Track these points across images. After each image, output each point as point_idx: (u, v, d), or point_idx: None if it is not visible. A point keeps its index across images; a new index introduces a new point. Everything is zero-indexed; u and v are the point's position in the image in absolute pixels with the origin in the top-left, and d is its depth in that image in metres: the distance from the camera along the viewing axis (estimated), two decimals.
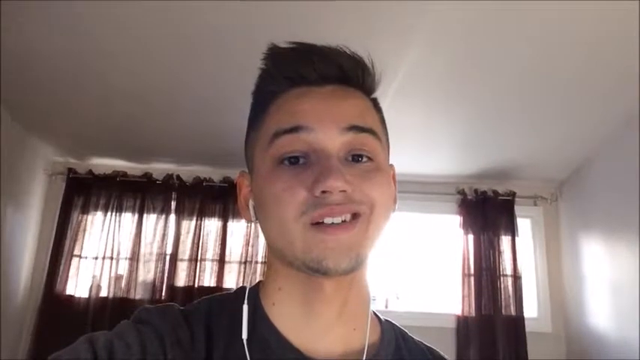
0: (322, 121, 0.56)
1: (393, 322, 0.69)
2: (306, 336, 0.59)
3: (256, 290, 0.64)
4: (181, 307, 0.62)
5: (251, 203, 0.63)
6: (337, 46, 0.60)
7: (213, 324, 0.60)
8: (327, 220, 0.53)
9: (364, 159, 0.57)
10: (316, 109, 0.57)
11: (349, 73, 0.60)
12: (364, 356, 0.60)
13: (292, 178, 0.54)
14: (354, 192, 0.54)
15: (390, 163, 0.65)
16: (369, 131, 0.58)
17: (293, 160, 0.56)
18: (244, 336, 0.57)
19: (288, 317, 0.60)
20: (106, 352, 0.52)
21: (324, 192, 0.52)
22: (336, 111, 0.57)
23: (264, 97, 0.61)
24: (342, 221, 0.53)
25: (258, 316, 0.61)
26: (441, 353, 0.68)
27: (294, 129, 0.56)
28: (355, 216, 0.54)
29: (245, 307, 0.59)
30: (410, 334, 0.69)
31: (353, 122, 0.56)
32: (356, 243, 0.54)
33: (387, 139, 0.64)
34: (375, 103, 0.65)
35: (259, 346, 0.58)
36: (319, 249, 0.52)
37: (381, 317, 0.68)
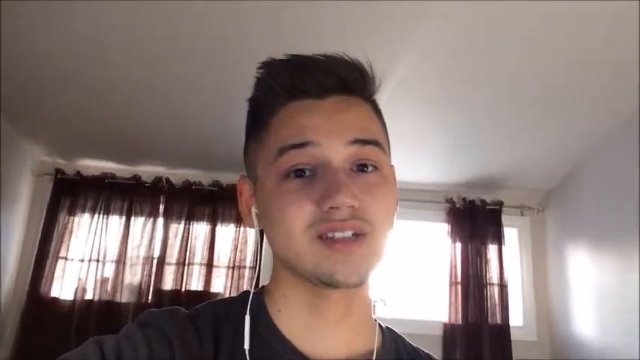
0: (328, 136, 0.56)
1: (393, 328, 0.70)
2: (311, 342, 0.60)
3: (261, 295, 0.64)
4: (187, 311, 0.63)
5: (254, 211, 0.63)
6: (335, 54, 0.60)
7: (219, 329, 0.60)
8: (338, 235, 0.53)
9: (369, 168, 0.58)
10: (321, 124, 0.57)
11: (349, 82, 0.60)
12: (374, 358, 0.61)
13: (299, 191, 0.55)
14: (360, 208, 0.54)
15: (391, 164, 0.65)
16: (373, 142, 0.58)
17: (299, 173, 0.56)
18: (246, 346, 0.58)
19: (294, 323, 0.60)
20: (114, 354, 0.53)
21: (331, 207, 0.53)
22: (340, 125, 0.57)
23: (264, 109, 0.61)
24: (354, 235, 0.54)
25: (264, 322, 0.61)
26: None
27: (301, 145, 0.56)
28: (362, 234, 0.55)
29: (247, 318, 0.59)
30: (409, 341, 0.70)
31: (357, 136, 0.57)
32: (364, 258, 0.54)
33: (388, 142, 0.65)
34: (376, 107, 0.65)
35: (265, 352, 0.58)
36: (329, 263, 0.53)
37: (382, 324, 0.68)
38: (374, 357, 0.61)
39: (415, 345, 0.70)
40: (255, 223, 0.62)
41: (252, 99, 0.64)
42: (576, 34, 2.25)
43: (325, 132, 0.56)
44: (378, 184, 0.57)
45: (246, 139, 0.66)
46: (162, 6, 2.09)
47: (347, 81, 0.60)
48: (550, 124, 2.96)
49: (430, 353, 0.69)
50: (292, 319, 0.61)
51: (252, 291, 0.63)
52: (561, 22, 2.18)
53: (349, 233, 0.54)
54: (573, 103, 2.75)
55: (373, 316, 0.66)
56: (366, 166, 0.57)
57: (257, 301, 0.63)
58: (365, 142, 0.57)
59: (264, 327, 0.60)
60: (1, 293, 3.33)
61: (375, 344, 0.63)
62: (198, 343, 0.57)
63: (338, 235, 0.53)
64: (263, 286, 0.67)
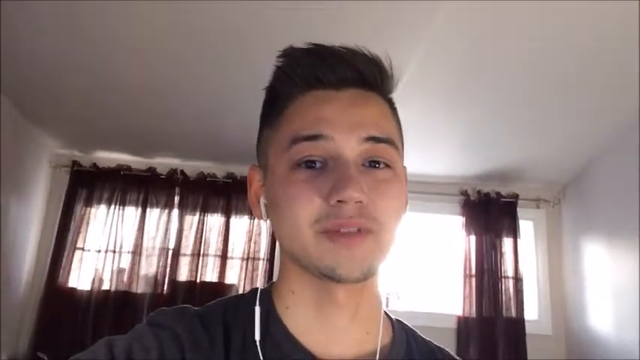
0: (341, 131, 0.56)
1: (404, 321, 0.69)
2: (319, 339, 0.59)
3: (269, 292, 0.64)
4: (196, 309, 0.62)
5: (262, 200, 0.62)
6: (355, 47, 0.60)
7: (230, 326, 0.60)
8: (343, 229, 0.53)
9: (381, 165, 0.57)
10: (335, 118, 0.56)
11: (368, 77, 0.60)
12: (377, 358, 0.60)
13: (308, 182, 0.54)
14: (368, 204, 0.54)
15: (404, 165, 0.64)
16: (387, 141, 0.58)
17: (310, 164, 0.56)
18: (257, 337, 0.58)
19: (302, 321, 0.60)
20: (124, 356, 0.53)
21: (339, 201, 0.52)
22: (355, 120, 0.57)
23: (281, 97, 0.61)
24: (358, 230, 0.53)
25: (272, 318, 0.61)
26: (451, 353, 0.69)
27: (314, 137, 0.56)
28: (367, 230, 0.54)
29: (257, 309, 0.59)
30: (420, 334, 0.69)
31: (371, 133, 0.56)
32: (368, 254, 0.54)
33: (402, 142, 0.64)
34: (392, 105, 0.64)
35: (273, 349, 0.58)
36: (332, 256, 0.53)
37: (393, 318, 0.68)
38: (377, 356, 0.60)
39: (427, 338, 0.69)
40: (264, 213, 0.62)
41: (270, 87, 0.63)
42: (590, 25, 2.22)
43: (339, 126, 0.56)
44: (389, 181, 0.57)
45: (260, 127, 0.66)
46: (180, 2, 2.09)
47: (365, 75, 0.60)
48: (567, 117, 2.92)
49: (441, 346, 0.69)
50: (300, 316, 0.60)
51: (259, 287, 0.63)
52: (575, 13, 2.14)
53: (354, 228, 0.53)
54: (590, 95, 2.71)
55: (384, 310, 0.65)
56: (377, 162, 0.57)
57: (266, 297, 0.62)
58: (379, 139, 0.57)
59: (272, 324, 0.60)
60: (21, 284, 3.39)
61: (385, 340, 0.63)
62: (208, 342, 0.58)
63: (343, 229, 0.53)
64: (272, 282, 0.66)
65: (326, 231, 0.53)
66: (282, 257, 0.63)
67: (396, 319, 0.68)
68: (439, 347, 0.69)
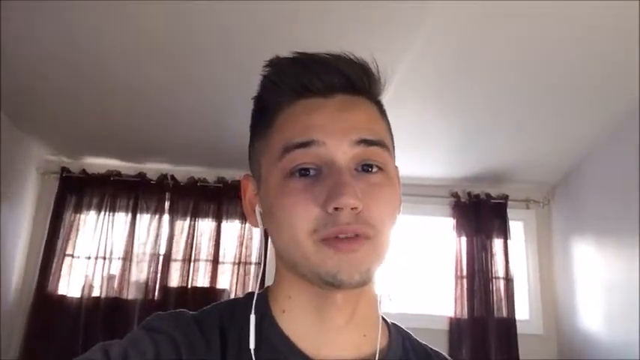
0: (333, 136, 0.56)
1: (399, 325, 0.69)
2: (316, 343, 0.59)
3: (265, 296, 0.64)
4: (192, 313, 0.62)
5: (257, 210, 0.62)
6: (341, 52, 0.60)
7: (226, 331, 0.60)
8: (341, 236, 0.53)
9: (374, 168, 0.57)
10: (326, 124, 0.57)
11: (355, 82, 0.60)
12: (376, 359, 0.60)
13: (303, 191, 0.55)
14: (363, 211, 0.54)
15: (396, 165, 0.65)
16: (378, 143, 0.58)
17: (303, 172, 0.56)
18: (252, 346, 0.58)
19: (299, 325, 0.60)
20: None
21: (336, 208, 0.53)
22: (346, 124, 0.57)
23: (270, 107, 0.61)
24: (355, 235, 0.54)
25: (268, 323, 0.61)
26: (447, 356, 0.69)
27: (306, 144, 0.56)
28: (365, 236, 0.54)
29: (252, 317, 0.59)
30: (415, 337, 0.69)
31: (362, 136, 0.57)
32: (366, 258, 0.54)
33: (393, 143, 0.64)
34: (381, 107, 0.65)
35: (269, 352, 0.58)
36: (334, 262, 0.53)
37: (389, 321, 0.68)
38: (377, 357, 0.61)
39: (423, 342, 0.69)
40: (260, 222, 0.62)
41: (258, 97, 0.63)
42: (578, 27, 2.24)
43: (330, 131, 0.56)
44: (382, 185, 0.57)
45: (250, 137, 0.66)
46: (168, 4, 2.09)
47: (353, 80, 0.60)
48: (555, 117, 2.95)
49: (439, 350, 0.69)
50: (297, 320, 0.60)
51: (256, 292, 0.63)
52: (566, 16, 2.16)
53: (352, 235, 0.53)
54: (578, 96, 2.73)
55: (380, 314, 0.65)
56: (370, 166, 0.57)
57: (261, 301, 0.62)
58: (370, 142, 0.57)
59: (268, 328, 0.60)
60: (10, 292, 3.36)
61: (382, 343, 0.63)
62: (205, 346, 0.58)
63: (341, 235, 0.53)
64: (267, 287, 0.66)
65: (325, 239, 0.53)
66: (277, 263, 0.63)
67: (392, 323, 0.68)
68: (436, 351, 0.69)
